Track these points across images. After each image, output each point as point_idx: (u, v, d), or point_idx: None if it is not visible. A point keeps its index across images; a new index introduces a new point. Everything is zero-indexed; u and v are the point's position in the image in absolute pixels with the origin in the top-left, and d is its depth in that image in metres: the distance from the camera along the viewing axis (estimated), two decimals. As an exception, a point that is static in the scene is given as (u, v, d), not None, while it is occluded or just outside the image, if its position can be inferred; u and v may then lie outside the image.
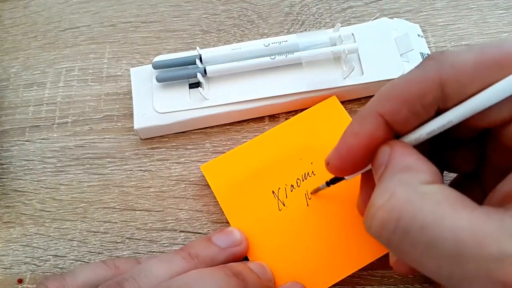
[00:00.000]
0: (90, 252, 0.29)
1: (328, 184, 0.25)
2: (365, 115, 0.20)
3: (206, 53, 0.31)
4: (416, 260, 0.17)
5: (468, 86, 0.17)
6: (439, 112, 0.19)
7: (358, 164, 0.21)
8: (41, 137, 0.33)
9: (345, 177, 0.23)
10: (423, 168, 0.18)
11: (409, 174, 0.18)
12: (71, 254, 0.29)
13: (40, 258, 0.29)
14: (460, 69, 0.18)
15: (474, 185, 0.22)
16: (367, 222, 0.18)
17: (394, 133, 0.20)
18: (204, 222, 0.29)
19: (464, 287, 0.15)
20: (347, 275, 0.25)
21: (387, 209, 0.17)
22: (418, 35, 0.32)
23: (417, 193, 0.17)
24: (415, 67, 0.19)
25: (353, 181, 0.27)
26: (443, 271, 0.16)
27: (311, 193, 0.27)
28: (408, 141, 0.19)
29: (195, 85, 0.31)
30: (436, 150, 0.22)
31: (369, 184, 0.22)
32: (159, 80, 0.31)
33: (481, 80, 0.17)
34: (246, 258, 0.26)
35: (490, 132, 0.19)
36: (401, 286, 0.26)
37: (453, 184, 0.24)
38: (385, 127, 0.19)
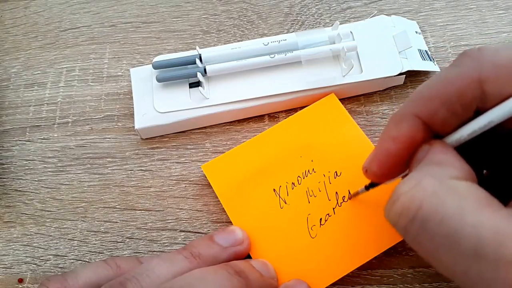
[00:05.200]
0: (90, 251, 0.29)
1: (367, 188, 0.25)
2: (402, 118, 0.19)
3: (206, 52, 0.31)
4: (431, 253, 0.16)
5: (509, 84, 0.17)
6: (478, 111, 0.18)
7: (398, 168, 0.20)
8: (42, 137, 0.33)
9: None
10: (455, 164, 0.17)
11: (440, 167, 0.17)
12: (72, 253, 0.29)
13: (41, 258, 0.29)
14: (500, 67, 0.17)
15: (504, 184, 0.21)
16: (387, 208, 0.18)
17: (432, 134, 0.19)
18: (204, 222, 0.29)
19: (479, 287, 0.15)
20: (349, 271, 0.25)
21: (409, 197, 0.17)
22: (416, 32, 0.33)
23: (444, 185, 0.16)
24: (451, 65, 0.18)
25: (359, 179, 0.28)
26: (458, 268, 0.15)
27: (349, 198, 0.27)
28: (449, 142, 0.19)
29: (195, 84, 0.31)
30: (475, 145, 0.21)
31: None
32: (159, 80, 0.31)
33: None
34: (248, 257, 0.26)
35: None
36: (401, 285, 0.26)
37: (483, 180, 0.24)
38: (423, 128, 0.19)
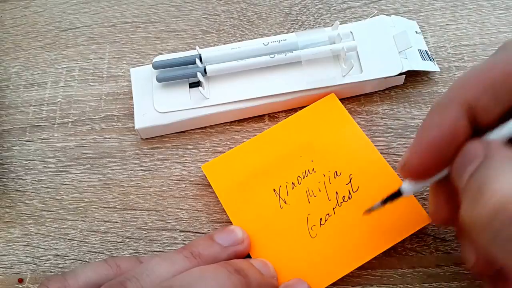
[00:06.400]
0: (90, 251, 0.29)
1: (384, 202, 0.23)
2: (446, 104, 0.18)
3: (206, 52, 0.31)
4: None
5: None
6: None
7: (439, 163, 0.19)
8: (42, 137, 0.33)
9: (404, 192, 0.22)
10: None
11: None
12: (72, 253, 0.29)
13: (41, 258, 0.29)
14: None
15: None
16: (469, 208, 0.16)
17: (474, 125, 0.18)
18: (204, 222, 0.29)
19: None
20: (349, 271, 0.25)
21: (505, 196, 0.15)
22: (416, 32, 0.33)
23: None
24: (495, 53, 0.18)
25: (359, 179, 0.28)
26: None
27: (363, 214, 0.25)
28: (496, 138, 0.18)
29: (195, 84, 0.31)
30: None
31: (442, 190, 0.21)
32: (159, 80, 0.31)
33: None
34: (248, 256, 0.26)
35: None
36: (401, 285, 0.26)
37: None
38: (467, 116, 0.18)
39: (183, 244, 0.28)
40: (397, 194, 0.22)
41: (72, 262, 0.29)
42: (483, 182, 0.16)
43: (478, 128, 0.19)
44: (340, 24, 0.32)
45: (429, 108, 0.30)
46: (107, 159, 0.31)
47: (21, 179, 0.31)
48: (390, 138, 0.30)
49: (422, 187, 0.22)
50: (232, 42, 0.34)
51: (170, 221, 0.29)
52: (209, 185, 0.29)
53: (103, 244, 0.29)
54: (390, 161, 0.28)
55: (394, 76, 0.30)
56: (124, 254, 0.29)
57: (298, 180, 0.28)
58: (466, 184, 0.17)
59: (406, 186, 0.22)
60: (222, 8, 0.36)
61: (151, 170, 0.31)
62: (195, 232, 0.29)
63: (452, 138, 0.18)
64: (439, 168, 0.19)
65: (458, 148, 0.18)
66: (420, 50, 0.31)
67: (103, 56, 0.35)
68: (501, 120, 0.18)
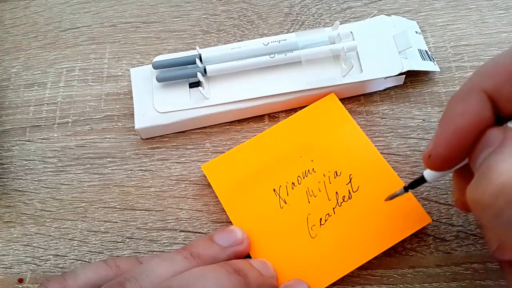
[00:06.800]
0: (90, 251, 0.29)
1: (407, 189, 0.23)
2: (468, 93, 0.18)
3: (206, 52, 0.31)
4: None
5: None
6: None
7: (465, 151, 0.19)
8: (42, 137, 0.33)
9: (428, 179, 0.22)
10: None
11: None
12: (72, 253, 0.29)
13: (41, 258, 0.29)
14: None
15: None
16: (473, 187, 0.17)
17: (497, 112, 0.18)
18: (204, 222, 0.29)
19: None
20: (349, 271, 0.26)
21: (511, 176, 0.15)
22: (416, 32, 0.33)
23: None
24: None
25: (359, 179, 0.28)
26: None
27: (385, 200, 0.26)
28: None
29: (195, 84, 0.31)
30: None
31: (463, 177, 0.21)
32: (159, 80, 0.31)
33: None
34: (248, 256, 0.26)
35: None
36: (401, 285, 0.26)
37: None
38: (489, 105, 0.18)
39: (183, 244, 0.28)
40: (421, 181, 0.22)
41: (72, 262, 0.29)
42: (492, 164, 0.16)
43: (501, 116, 0.19)
44: (340, 24, 0.32)
45: (429, 107, 0.31)
46: (107, 159, 0.31)
47: (21, 179, 0.31)
48: (390, 138, 0.30)
49: (445, 174, 0.22)
50: (232, 42, 0.34)
51: (170, 221, 0.29)
52: (209, 185, 0.29)
53: (103, 244, 0.29)
54: (390, 161, 0.28)
55: (394, 76, 0.30)
56: (124, 254, 0.29)
57: (298, 180, 0.28)
58: (478, 168, 0.17)
59: (429, 173, 0.22)
60: (222, 8, 0.36)
61: (151, 170, 0.31)
62: (195, 232, 0.29)
63: (477, 126, 0.18)
64: (464, 157, 0.19)
65: (481, 136, 0.18)
66: (420, 50, 0.31)
67: (103, 56, 0.35)
68: None
